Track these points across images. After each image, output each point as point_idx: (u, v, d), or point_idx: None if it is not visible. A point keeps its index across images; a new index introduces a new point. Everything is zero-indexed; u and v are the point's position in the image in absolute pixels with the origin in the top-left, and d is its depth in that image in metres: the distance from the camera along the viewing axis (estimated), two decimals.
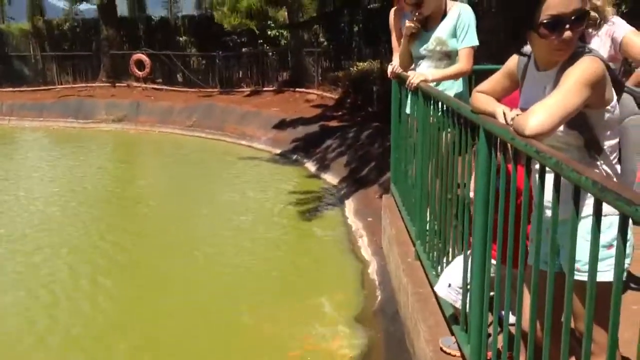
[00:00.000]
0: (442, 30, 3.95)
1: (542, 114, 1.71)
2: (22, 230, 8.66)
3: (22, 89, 21.38)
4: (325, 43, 19.22)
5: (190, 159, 13.81)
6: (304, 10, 18.43)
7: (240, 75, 20.21)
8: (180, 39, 22.36)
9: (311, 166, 11.85)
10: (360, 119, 13.06)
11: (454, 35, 3.94)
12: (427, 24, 4.03)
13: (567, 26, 1.80)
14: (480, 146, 2.40)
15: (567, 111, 1.73)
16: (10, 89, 21.30)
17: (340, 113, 14.14)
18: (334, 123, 13.35)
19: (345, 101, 14.85)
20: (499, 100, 2.29)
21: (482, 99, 2.29)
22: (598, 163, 1.87)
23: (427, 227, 3.83)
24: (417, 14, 3.94)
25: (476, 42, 3.93)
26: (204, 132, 16.11)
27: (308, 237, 8.28)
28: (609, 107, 1.86)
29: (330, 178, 10.83)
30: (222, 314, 5.96)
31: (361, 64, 16.00)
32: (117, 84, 20.75)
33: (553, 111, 1.71)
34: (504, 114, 2.05)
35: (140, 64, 20.33)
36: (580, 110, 1.77)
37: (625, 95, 1.93)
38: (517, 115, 1.93)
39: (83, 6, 26.92)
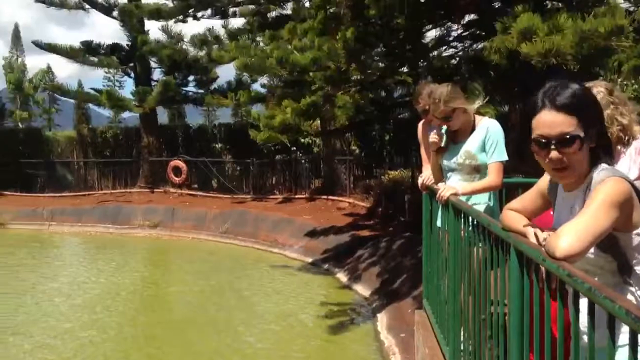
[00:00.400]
0: (471, 144, 3.97)
1: (571, 236, 1.67)
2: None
3: (63, 194, 22.08)
4: (357, 151, 19.58)
5: (223, 266, 13.77)
6: (336, 119, 18.98)
7: (274, 182, 20.58)
8: (217, 145, 23.11)
9: (342, 276, 11.68)
10: (392, 228, 12.98)
11: (483, 149, 3.96)
12: (456, 137, 4.07)
13: (552, 147, 1.79)
14: (511, 265, 2.32)
15: (596, 233, 1.68)
16: (52, 194, 22.02)
17: (371, 222, 14.10)
18: (365, 232, 13.28)
19: (376, 210, 14.86)
20: (530, 219, 2.22)
21: (513, 217, 2.25)
22: (632, 289, 1.77)
23: (462, 347, 3.63)
24: (441, 129, 3.99)
25: (505, 157, 3.93)
26: (237, 239, 16.17)
27: (339, 352, 8.01)
28: (639, 231, 1.78)
29: (362, 289, 10.61)
30: None
31: (392, 172, 16.14)
32: (154, 190, 21.30)
33: (581, 233, 1.67)
34: (536, 234, 1.98)
35: (177, 170, 20.93)
36: (609, 232, 1.70)
37: None
38: (549, 235, 1.86)
39: (126, 114, 28.36)
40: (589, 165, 1.84)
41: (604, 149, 1.86)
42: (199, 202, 19.45)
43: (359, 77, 9.20)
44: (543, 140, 1.82)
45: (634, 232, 1.78)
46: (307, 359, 7.71)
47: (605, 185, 1.73)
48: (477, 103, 4.00)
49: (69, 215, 19.94)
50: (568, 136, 1.79)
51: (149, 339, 8.65)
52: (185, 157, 21.65)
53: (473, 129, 4.00)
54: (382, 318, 8.94)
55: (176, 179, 20.92)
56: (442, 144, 4.10)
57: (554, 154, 1.80)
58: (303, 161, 20.29)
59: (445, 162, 4.14)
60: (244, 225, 16.57)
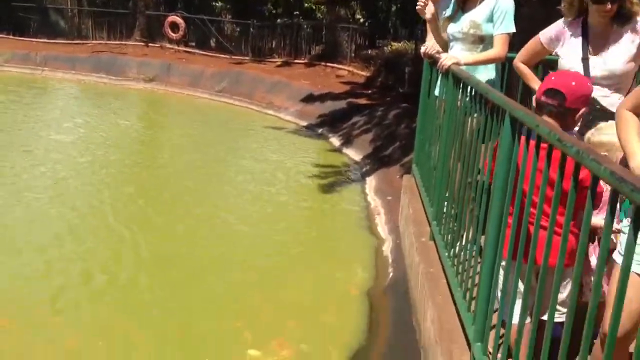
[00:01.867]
0: (478, 14, 3.92)
1: None
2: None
3: (56, 41, 21.61)
4: (362, 20, 19.09)
5: (217, 123, 13.91)
6: None
7: (273, 46, 20.19)
8: (217, 4, 22.37)
9: (336, 141, 11.88)
10: (389, 99, 13.02)
11: (490, 19, 3.91)
12: (466, 6, 4.00)
13: None
14: (504, 132, 2.43)
15: None
16: (45, 39, 21.55)
17: (369, 91, 14.09)
18: (362, 101, 13.32)
19: (376, 80, 14.79)
20: None
21: (631, 125, 2.12)
22: None
23: (445, 210, 3.85)
24: None
25: (513, 29, 3.89)
26: (232, 99, 16.18)
27: (326, 210, 8.37)
28: None
29: (354, 154, 10.86)
30: (234, 274, 6.07)
31: (396, 44, 15.85)
32: (150, 44, 20.86)
33: None
34: None
35: (174, 26, 20.40)
36: None
37: None
38: None
39: None
40: None
41: None
42: (196, 60, 19.18)
43: None
44: None
45: None
46: (294, 215, 8.04)
47: None
48: None
49: (63, 62, 19.68)
50: None
51: (132, 190, 8.89)
52: (184, 14, 21.00)
53: None
54: (370, 181, 9.26)
55: (173, 35, 20.44)
56: (428, 15, 4.08)
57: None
58: (305, 26, 19.77)
59: (449, 31, 4.10)
60: (241, 86, 16.51)
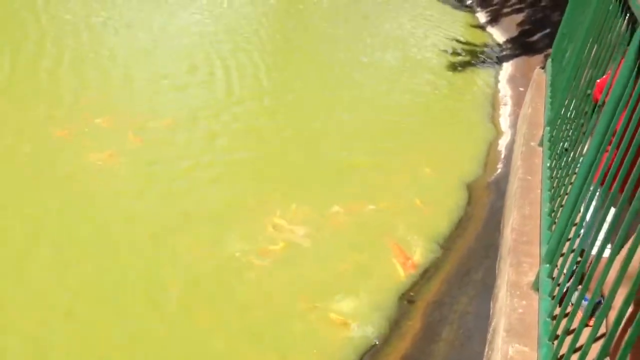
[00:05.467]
0: None
1: None
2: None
3: None
4: None
5: None
6: None
7: None
8: None
9: (482, 17, 11.08)
10: None
11: None
12: None
13: None
14: (632, 44, 2.11)
15: None
16: None
17: None
18: None
19: None
20: None
21: None
22: None
23: (561, 117, 3.55)
24: None
25: None
26: None
27: (453, 92, 7.99)
28: None
29: (498, 35, 10.12)
30: (339, 143, 6.10)
31: None
32: None
33: None
34: None
35: None
36: None
37: None
38: None
39: None
40: None
41: None
42: None
43: None
44: None
45: None
46: (418, 92, 7.73)
47: None
48: None
49: None
50: None
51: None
52: None
53: None
54: (507, 67, 8.68)
55: None
56: None
57: None
58: None
59: None
60: None
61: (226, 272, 4.01)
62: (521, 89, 7.50)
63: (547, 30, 9.09)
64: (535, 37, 9.06)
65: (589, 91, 2.88)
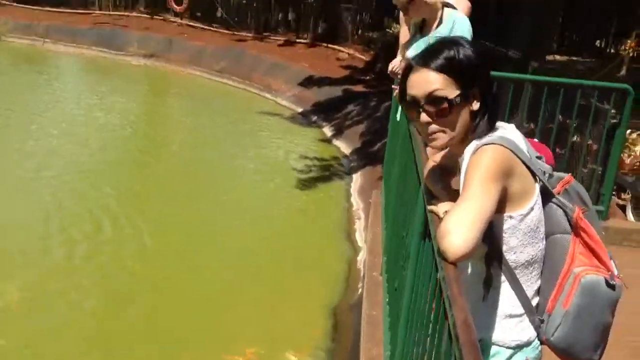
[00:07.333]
0: (434, 38, 3.71)
1: (456, 235, 1.44)
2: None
3: (60, 9, 21.34)
4: None
5: (214, 108, 13.69)
6: None
7: (280, 18, 19.68)
8: None
9: (328, 131, 11.68)
10: (386, 87, 12.68)
11: None
12: (423, 30, 3.81)
13: (421, 108, 1.64)
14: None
15: (483, 218, 1.47)
16: (49, 8, 21.29)
17: (367, 77, 13.80)
18: (359, 88, 13.06)
19: (375, 65, 14.46)
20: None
21: (433, 177, 1.94)
22: (502, 278, 1.69)
23: (390, 247, 3.69)
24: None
25: None
26: (231, 79, 15.93)
27: (307, 209, 8.21)
28: (512, 214, 1.63)
29: (344, 147, 10.67)
30: (200, 262, 6.08)
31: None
32: (154, 17, 20.54)
33: (466, 226, 1.44)
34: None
35: None
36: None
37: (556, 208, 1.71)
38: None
39: None
40: (470, 130, 1.66)
41: (486, 111, 1.65)
42: (198, 35, 18.88)
43: None
44: (412, 101, 1.66)
45: (506, 214, 1.62)
46: (273, 211, 7.89)
47: (479, 158, 1.56)
48: None
49: (65, 34, 19.49)
50: (436, 96, 1.61)
51: (122, 171, 8.87)
52: None
53: (441, 22, 3.72)
54: (356, 179, 9.09)
55: (177, 7, 20.07)
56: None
57: (423, 115, 1.64)
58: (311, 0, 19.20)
59: (409, 55, 3.89)
60: (240, 66, 16.24)
61: None
62: (370, 200, 7.81)
63: (385, 140, 9.71)
64: (376, 147, 9.64)
65: (403, 234, 3.02)
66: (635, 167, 5.67)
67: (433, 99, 1.62)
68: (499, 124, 1.70)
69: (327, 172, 9.54)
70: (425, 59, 1.65)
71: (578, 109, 4.80)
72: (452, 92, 1.62)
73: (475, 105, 1.65)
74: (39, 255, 6.23)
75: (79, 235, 6.70)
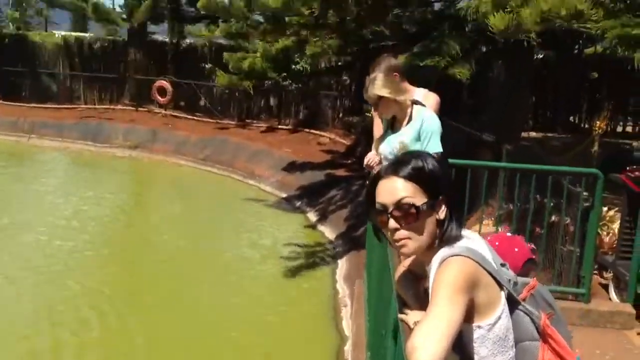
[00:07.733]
0: (405, 135, 3.87)
1: (425, 350, 1.42)
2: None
3: (46, 105, 21.73)
4: (348, 82, 19.08)
5: (198, 196, 13.80)
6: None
7: (262, 105, 20.20)
8: (206, 65, 22.42)
9: (312, 216, 11.75)
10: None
11: (418, 139, 3.84)
12: (393, 126, 3.95)
13: (389, 215, 1.69)
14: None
15: (451, 331, 1.47)
16: (35, 104, 21.69)
17: (349, 161, 14.04)
18: (341, 172, 13.26)
19: (356, 149, 14.75)
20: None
21: (404, 282, 1.98)
22: None
23: (376, 338, 3.66)
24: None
25: (439, 149, 3.81)
26: (215, 167, 16.14)
27: (292, 298, 8.14)
28: (480, 324, 1.65)
29: (329, 232, 10.71)
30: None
31: None
32: (139, 108, 20.98)
33: (434, 340, 1.44)
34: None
35: (162, 91, 20.53)
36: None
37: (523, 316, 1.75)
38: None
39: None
40: (437, 238, 1.71)
41: (452, 220, 1.72)
42: (182, 125, 19.26)
43: (336, 22, 8.86)
44: (381, 208, 1.71)
45: (475, 324, 1.66)
46: (258, 302, 7.80)
47: (445, 270, 1.59)
48: (407, 96, 3.86)
49: (50, 129, 19.81)
50: (404, 203, 1.68)
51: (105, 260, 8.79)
52: (172, 78, 21.16)
53: (411, 119, 3.87)
54: (342, 265, 9.07)
55: (161, 99, 20.56)
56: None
57: (391, 222, 1.69)
58: (292, 87, 19.78)
59: (380, 150, 4.03)
60: (223, 154, 16.51)
61: None
62: (356, 287, 7.78)
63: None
64: (359, 231, 9.68)
65: (382, 331, 3.02)
66: (614, 246, 5.74)
67: (401, 205, 1.68)
68: (464, 232, 1.76)
69: (313, 258, 9.54)
70: (394, 168, 1.74)
71: (553, 190, 4.93)
72: (420, 200, 1.69)
73: (442, 214, 1.72)
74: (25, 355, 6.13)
75: (66, 334, 6.59)
